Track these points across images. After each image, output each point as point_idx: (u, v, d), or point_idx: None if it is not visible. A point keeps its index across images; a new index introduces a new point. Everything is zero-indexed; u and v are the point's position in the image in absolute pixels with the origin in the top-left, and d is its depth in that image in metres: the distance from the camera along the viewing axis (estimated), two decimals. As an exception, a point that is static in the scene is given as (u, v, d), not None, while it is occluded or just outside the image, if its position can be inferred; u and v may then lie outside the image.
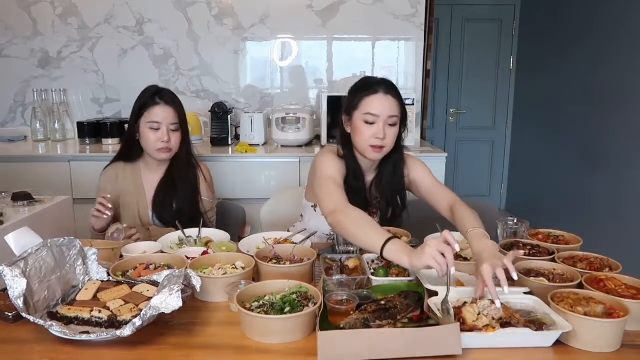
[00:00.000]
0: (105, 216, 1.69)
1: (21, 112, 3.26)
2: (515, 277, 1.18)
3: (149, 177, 1.90)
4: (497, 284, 1.17)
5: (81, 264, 1.23)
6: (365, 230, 1.31)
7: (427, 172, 1.74)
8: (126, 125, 2.94)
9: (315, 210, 1.80)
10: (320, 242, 1.74)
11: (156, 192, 1.87)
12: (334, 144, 1.77)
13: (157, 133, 1.78)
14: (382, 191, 1.75)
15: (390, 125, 1.59)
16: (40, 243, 1.15)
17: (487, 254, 1.22)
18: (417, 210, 1.79)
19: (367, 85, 1.62)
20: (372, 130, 1.58)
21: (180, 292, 1.06)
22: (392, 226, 1.71)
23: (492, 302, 1.10)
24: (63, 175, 2.69)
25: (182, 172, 1.88)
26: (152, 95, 1.81)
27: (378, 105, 1.58)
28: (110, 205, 1.69)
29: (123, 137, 1.94)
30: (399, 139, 1.68)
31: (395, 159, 1.71)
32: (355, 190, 1.67)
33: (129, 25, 3.17)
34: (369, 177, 1.76)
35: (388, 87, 1.61)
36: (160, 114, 1.78)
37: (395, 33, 3.21)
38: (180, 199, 1.86)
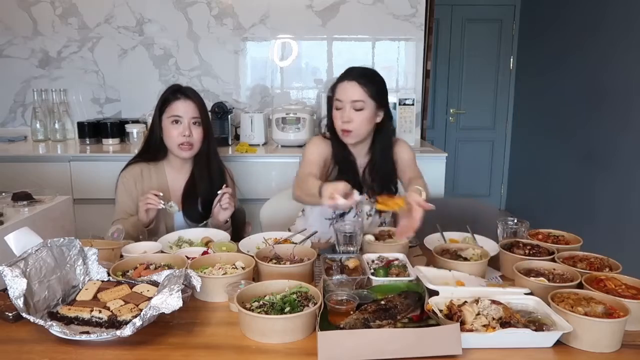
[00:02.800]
0: (160, 205, 1.70)
1: (21, 112, 3.26)
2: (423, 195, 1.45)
3: (173, 177, 1.90)
4: (498, 284, 1.17)
5: (81, 264, 1.23)
6: (308, 190, 1.51)
7: (409, 155, 1.82)
8: (126, 126, 2.99)
9: None
10: (320, 242, 1.74)
11: (184, 192, 1.87)
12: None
13: (179, 127, 1.79)
14: (374, 175, 1.81)
15: (356, 109, 1.68)
16: (40, 243, 1.15)
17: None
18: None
19: (342, 74, 1.75)
20: (339, 114, 1.71)
21: (180, 292, 1.06)
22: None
23: (493, 301, 1.10)
24: (63, 175, 2.69)
25: (206, 171, 1.89)
26: (173, 92, 1.84)
27: (343, 91, 1.70)
28: (161, 194, 1.72)
29: (147, 137, 1.97)
30: (385, 127, 1.77)
31: (382, 142, 1.78)
32: (346, 169, 1.78)
33: (129, 25, 3.17)
34: (361, 161, 1.82)
35: (357, 74, 1.70)
36: (181, 107, 1.80)
37: (395, 33, 3.21)
38: (207, 198, 1.85)
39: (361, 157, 1.81)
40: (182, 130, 1.79)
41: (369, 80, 1.69)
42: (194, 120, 1.82)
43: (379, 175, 1.80)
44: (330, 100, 1.77)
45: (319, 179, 1.61)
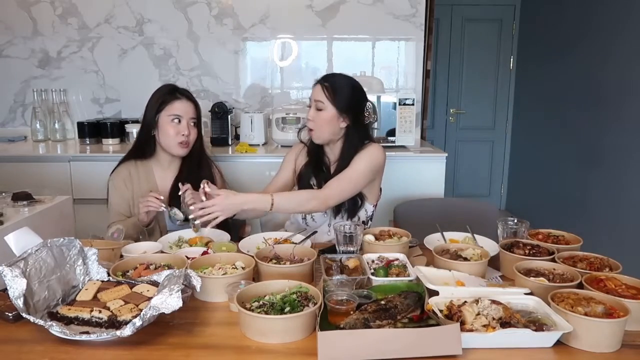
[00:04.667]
0: (162, 208, 1.73)
1: (21, 112, 3.26)
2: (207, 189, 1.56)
3: (161, 174, 1.93)
4: (498, 284, 1.16)
5: (81, 264, 1.23)
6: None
7: (358, 159, 1.79)
8: (126, 126, 2.99)
9: None
10: (320, 242, 1.74)
11: (172, 189, 1.89)
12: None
13: (178, 126, 1.83)
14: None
15: (317, 109, 1.79)
16: (40, 243, 1.15)
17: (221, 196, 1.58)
18: (416, 210, 1.80)
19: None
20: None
21: (180, 292, 1.06)
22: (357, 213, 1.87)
23: (493, 301, 1.10)
24: (63, 175, 2.69)
25: (195, 169, 1.92)
26: (172, 91, 1.88)
27: (312, 92, 1.83)
28: (162, 197, 1.75)
29: (138, 134, 1.99)
30: (351, 130, 1.81)
31: (349, 146, 1.83)
32: (319, 167, 1.89)
33: (129, 25, 3.17)
34: (333, 164, 1.88)
35: (323, 78, 1.82)
36: (182, 107, 1.85)
37: (395, 33, 3.21)
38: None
39: (333, 159, 1.89)
40: (182, 129, 1.83)
41: (333, 87, 1.78)
42: (192, 121, 1.87)
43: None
44: None
45: (283, 183, 1.96)
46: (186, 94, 1.89)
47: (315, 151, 1.91)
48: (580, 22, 3.75)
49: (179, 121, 1.84)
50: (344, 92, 1.79)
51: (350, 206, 1.84)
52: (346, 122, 1.81)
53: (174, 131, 1.83)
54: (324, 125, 1.80)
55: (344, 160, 1.82)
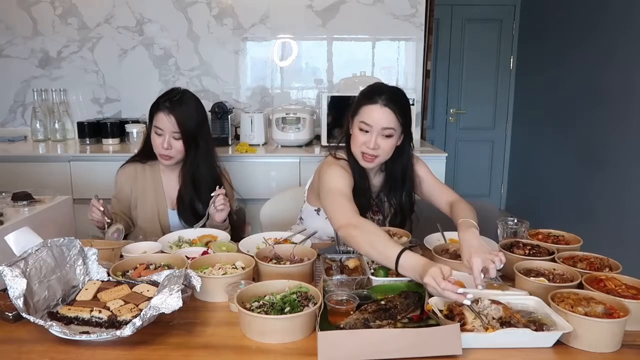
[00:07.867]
0: (96, 218, 1.68)
1: (21, 112, 3.26)
2: (493, 274, 1.27)
3: (168, 177, 1.92)
4: (499, 285, 1.17)
5: (81, 264, 1.23)
6: (377, 247, 1.31)
7: (427, 170, 1.79)
8: (126, 125, 2.99)
9: (319, 214, 1.82)
10: (320, 242, 1.74)
11: (178, 195, 1.88)
12: (333, 143, 1.78)
13: (159, 138, 1.80)
14: (393, 196, 1.76)
15: (385, 136, 1.59)
16: (40, 243, 1.15)
17: (476, 247, 1.31)
18: (417, 210, 1.80)
19: (370, 94, 1.62)
20: (364, 138, 1.60)
21: (180, 292, 1.06)
22: (398, 228, 1.73)
23: (493, 301, 1.11)
24: (63, 175, 2.69)
25: (189, 180, 1.85)
26: (163, 101, 1.79)
27: (374, 116, 1.58)
28: (102, 208, 1.68)
29: (145, 137, 1.99)
30: (406, 148, 1.69)
31: (403, 164, 1.71)
32: (361, 190, 1.67)
33: (129, 25, 3.17)
34: (375, 180, 1.77)
35: (389, 98, 1.58)
36: (163, 121, 1.77)
37: (395, 33, 3.21)
38: (195, 203, 1.86)
39: (373, 178, 1.76)
40: (161, 142, 1.78)
41: (400, 106, 1.59)
42: (175, 134, 1.78)
43: (397, 196, 1.75)
44: (352, 116, 1.64)
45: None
46: (170, 107, 1.75)
47: (358, 175, 1.68)
48: (580, 22, 3.75)
49: (161, 134, 1.78)
50: (408, 111, 1.63)
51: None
52: (401, 139, 1.65)
53: (158, 142, 1.80)
54: (390, 152, 1.62)
55: (402, 180, 1.71)
